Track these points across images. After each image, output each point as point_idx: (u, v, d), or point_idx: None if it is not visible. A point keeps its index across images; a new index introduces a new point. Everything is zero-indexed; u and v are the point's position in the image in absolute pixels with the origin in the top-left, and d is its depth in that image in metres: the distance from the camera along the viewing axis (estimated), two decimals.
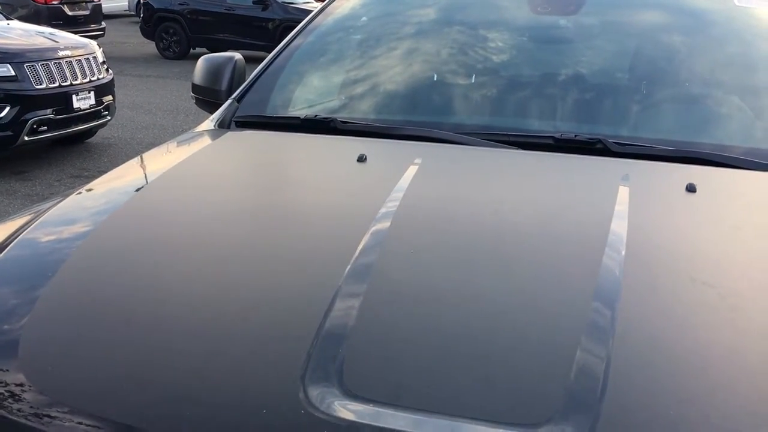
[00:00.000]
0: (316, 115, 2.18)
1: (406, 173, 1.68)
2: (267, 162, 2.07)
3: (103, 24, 14.82)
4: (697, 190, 1.60)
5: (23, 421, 1.02)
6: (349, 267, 1.26)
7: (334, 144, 2.05)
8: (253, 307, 1.22)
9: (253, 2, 14.57)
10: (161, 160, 2.04)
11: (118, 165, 7.51)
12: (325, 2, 2.86)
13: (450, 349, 1.07)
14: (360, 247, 1.32)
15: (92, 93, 7.08)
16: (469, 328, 1.13)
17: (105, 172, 7.43)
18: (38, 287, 1.32)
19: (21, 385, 1.09)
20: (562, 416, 0.94)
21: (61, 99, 6.73)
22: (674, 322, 1.15)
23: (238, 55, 2.64)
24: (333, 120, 2.13)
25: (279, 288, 1.28)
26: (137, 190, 1.73)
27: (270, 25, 14.36)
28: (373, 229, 1.39)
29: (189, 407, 1.01)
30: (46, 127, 6.65)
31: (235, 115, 2.32)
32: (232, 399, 1.00)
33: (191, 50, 15.11)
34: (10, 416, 1.04)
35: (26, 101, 6.45)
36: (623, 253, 1.30)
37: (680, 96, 2.19)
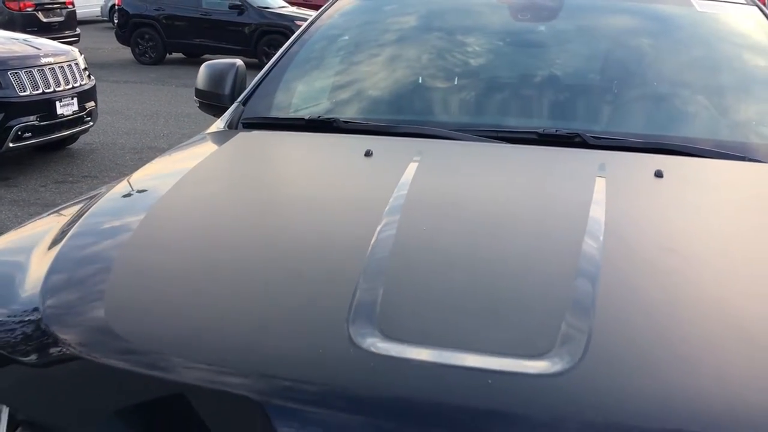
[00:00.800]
0: (319, 116, 2.34)
1: (410, 164, 1.87)
2: (283, 158, 2.23)
3: (78, 30, 14.78)
4: (664, 176, 1.81)
5: (109, 362, 1.22)
6: (374, 239, 1.48)
7: (342, 141, 2.22)
8: (299, 273, 1.44)
9: (229, 7, 14.61)
10: (183, 159, 2.17)
11: (101, 170, 7.51)
12: (323, 7, 2.99)
13: (465, 300, 1.31)
14: (382, 222, 1.55)
15: (75, 99, 7.13)
16: (480, 284, 1.37)
17: (89, 177, 7.45)
18: (111, 256, 1.53)
19: (107, 332, 1.27)
20: (559, 347, 1.15)
21: (45, 105, 6.77)
22: (647, 276, 1.39)
23: (239, 61, 2.77)
24: (336, 120, 2.30)
25: (318, 258, 1.50)
26: (173, 185, 1.88)
27: (246, 30, 14.42)
28: (390, 212, 1.61)
29: (255, 347, 1.21)
30: (30, 134, 6.69)
31: (242, 118, 2.45)
32: (291, 342, 1.22)
33: (167, 55, 15.12)
34: (99, 359, 1.23)
35: (10, 108, 6.49)
36: (603, 224, 1.53)
37: (649, 94, 2.41)
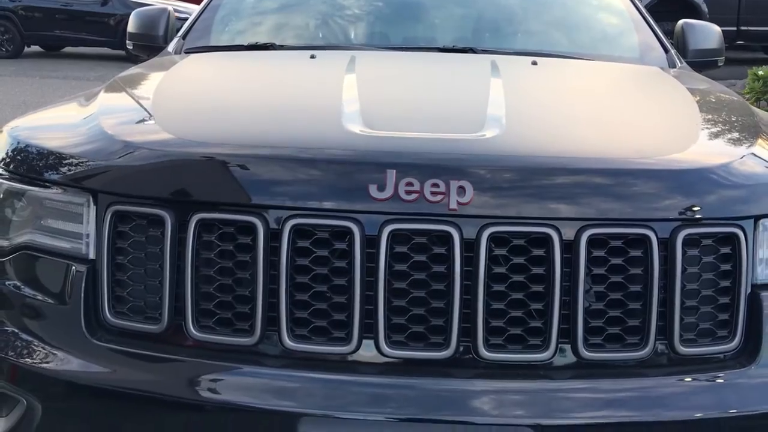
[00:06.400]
0: (257, 42, 2.70)
1: (352, 57, 2.37)
2: (243, 63, 2.59)
3: None
4: (538, 64, 2.55)
5: (158, 148, 1.69)
6: (345, 81, 2.04)
7: (285, 53, 2.67)
8: (296, 105, 2.01)
9: None
10: (155, 66, 2.47)
11: None
12: None
13: (421, 108, 1.99)
14: (348, 73, 2.12)
15: None
16: (430, 99, 2.07)
17: None
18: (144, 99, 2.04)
19: (158, 130, 1.78)
20: (487, 125, 1.74)
21: None
22: (536, 97, 2.18)
23: (170, 7, 3.04)
24: (273, 44, 2.68)
25: (309, 94, 2.12)
26: (164, 75, 2.24)
27: (111, 21, 14.10)
28: (348, 69, 2.18)
29: (271, 133, 1.77)
30: None
31: (184, 48, 2.73)
32: (299, 135, 1.76)
33: (26, 48, 14.56)
34: (152, 147, 1.70)
35: None
36: (502, 76, 2.21)
37: (526, 22, 3.15)
